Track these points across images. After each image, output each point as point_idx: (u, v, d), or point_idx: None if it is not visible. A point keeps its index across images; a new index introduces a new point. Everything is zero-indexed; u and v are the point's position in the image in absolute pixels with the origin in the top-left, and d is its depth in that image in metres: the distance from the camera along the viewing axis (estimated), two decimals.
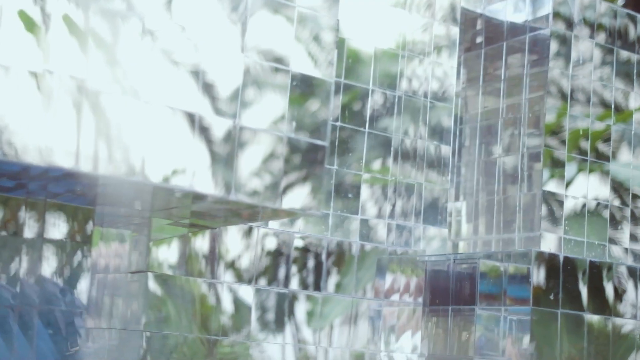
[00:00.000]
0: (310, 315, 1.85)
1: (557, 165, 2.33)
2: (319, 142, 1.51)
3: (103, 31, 1.41)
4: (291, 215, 1.55)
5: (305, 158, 1.53)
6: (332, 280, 1.89)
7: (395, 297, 1.92)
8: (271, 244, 1.84)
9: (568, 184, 2.34)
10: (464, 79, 2.51)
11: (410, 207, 2.10)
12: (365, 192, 2.05)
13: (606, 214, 2.40)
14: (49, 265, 1.72)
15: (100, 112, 1.40)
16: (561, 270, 2.11)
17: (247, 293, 1.81)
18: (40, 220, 1.69)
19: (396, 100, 2.13)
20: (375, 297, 1.91)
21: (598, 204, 2.39)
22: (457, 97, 2.39)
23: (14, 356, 1.67)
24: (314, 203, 1.49)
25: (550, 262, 2.10)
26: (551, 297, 2.08)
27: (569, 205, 2.33)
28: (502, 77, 2.44)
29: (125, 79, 1.42)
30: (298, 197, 1.51)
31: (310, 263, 1.87)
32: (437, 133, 2.20)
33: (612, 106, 2.45)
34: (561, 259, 2.12)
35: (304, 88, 1.56)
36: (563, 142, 2.35)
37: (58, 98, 1.37)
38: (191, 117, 1.47)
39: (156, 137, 1.45)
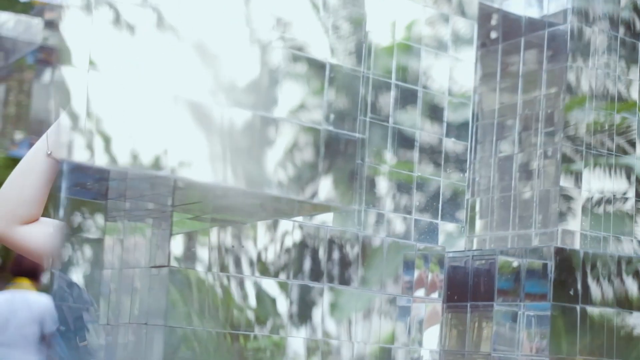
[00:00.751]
0: (333, 309, 1.84)
1: (573, 160, 2.33)
2: (351, 135, 1.50)
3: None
4: (324, 210, 1.54)
5: (337, 152, 1.52)
6: (356, 274, 1.88)
7: (419, 293, 1.91)
8: (295, 237, 1.83)
9: (584, 179, 2.33)
10: (479, 75, 2.50)
11: (430, 203, 2.10)
12: (384, 186, 2.04)
13: (621, 207, 2.40)
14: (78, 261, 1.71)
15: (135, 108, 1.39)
16: (581, 265, 2.11)
17: (270, 287, 1.80)
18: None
19: (420, 94, 2.12)
20: (399, 292, 1.90)
21: (614, 197, 2.38)
22: (473, 93, 2.38)
23: None
24: (345, 198, 1.49)
25: (569, 257, 2.10)
26: (571, 292, 2.07)
27: (586, 200, 2.32)
28: (520, 73, 2.43)
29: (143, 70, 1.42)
30: (330, 192, 1.50)
31: (335, 256, 1.86)
32: (454, 129, 2.19)
33: (638, 100, 2.45)
34: (581, 254, 2.12)
35: (335, 79, 1.55)
36: (580, 137, 2.34)
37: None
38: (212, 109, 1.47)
39: (177, 130, 1.44)
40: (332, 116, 1.52)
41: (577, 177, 2.32)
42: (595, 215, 2.33)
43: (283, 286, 1.79)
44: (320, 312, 1.82)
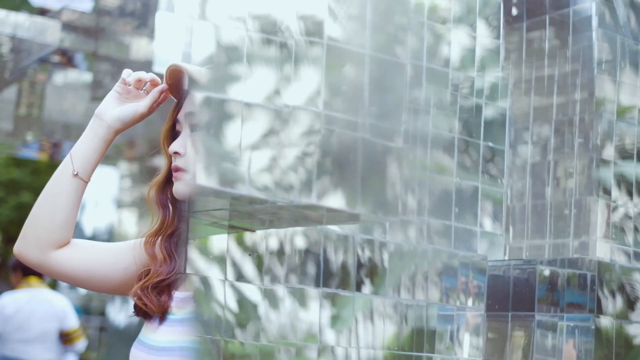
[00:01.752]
0: (369, 316, 1.78)
1: (605, 169, 2.27)
2: (392, 144, 1.44)
3: None
4: (363, 220, 1.48)
5: (378, 161, 1.45)
6: (392, 282, 1.82)
7: (457, 302, 1.86)
8: (323, 245, 1.76)
9: (617, 189, 2.28)
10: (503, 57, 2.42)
11: (468, 210, 2.03)
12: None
13: None
14: None
15: None
16: (621, 278, 2.08)
17: (287, 293, 1.73)
18: None
19: (458, 96, 2.06)
20: (438, 301, 1.85)
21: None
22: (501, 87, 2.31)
23: None
24: (386, 209, 1.43)
25: (609, 269, 2.07)
26: (611, 304, 2.03)
27: (619, 211, 2.27)
28: (547, 77, 2.38)
29: None
30: (371, 202, 1.44)
31: (369, 264, 1.80)
32: (489, 132, 2.12)
33: None
34: (617, 267, 2.09)
35: (378, 82, 1.49)
36: (613, 145, 2.29)
37: None
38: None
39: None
40: (375, 122, 1.46)
41: (610, 188, 2.27)
42: (628, 228, 2.28)
43: (313, 294, 1.74)
44: (352, 319, 1.76)
